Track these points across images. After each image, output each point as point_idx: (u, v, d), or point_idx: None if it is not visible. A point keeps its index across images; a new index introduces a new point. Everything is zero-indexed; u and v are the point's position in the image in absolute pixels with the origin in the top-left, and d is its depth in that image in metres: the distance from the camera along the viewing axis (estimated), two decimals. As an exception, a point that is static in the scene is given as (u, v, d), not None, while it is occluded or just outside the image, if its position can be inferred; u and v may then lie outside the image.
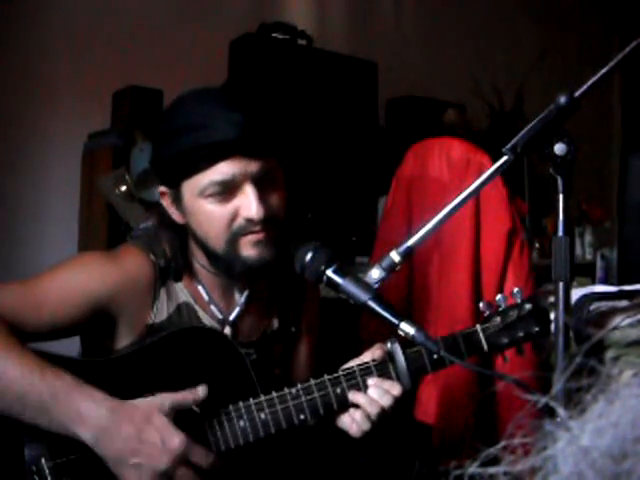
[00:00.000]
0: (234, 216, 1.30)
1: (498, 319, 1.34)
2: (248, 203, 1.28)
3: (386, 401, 1.30)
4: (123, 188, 2.60)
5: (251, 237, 1.31)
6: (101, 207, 2.73)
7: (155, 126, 1.38)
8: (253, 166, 1.28)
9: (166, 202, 1.37)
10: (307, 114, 3.03)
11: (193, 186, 1.30)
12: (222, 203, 1.29)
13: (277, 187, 1.34)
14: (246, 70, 2.95)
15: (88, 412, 1.15)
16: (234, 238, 1.31)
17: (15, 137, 2.83)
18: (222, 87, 1.40)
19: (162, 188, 1.37)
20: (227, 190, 1.28)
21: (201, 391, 1.23)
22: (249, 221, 1.29)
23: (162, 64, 2.98)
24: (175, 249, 1.39)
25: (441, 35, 3.98)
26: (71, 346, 1.42)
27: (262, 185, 1.30)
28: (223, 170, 1.27)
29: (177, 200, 1.34)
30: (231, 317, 1.43)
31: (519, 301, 1.35)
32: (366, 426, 1.31)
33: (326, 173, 3.05)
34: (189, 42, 3.12)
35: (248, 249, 1.31)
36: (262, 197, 1.29)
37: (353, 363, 1.34)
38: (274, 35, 3.08)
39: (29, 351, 1.20)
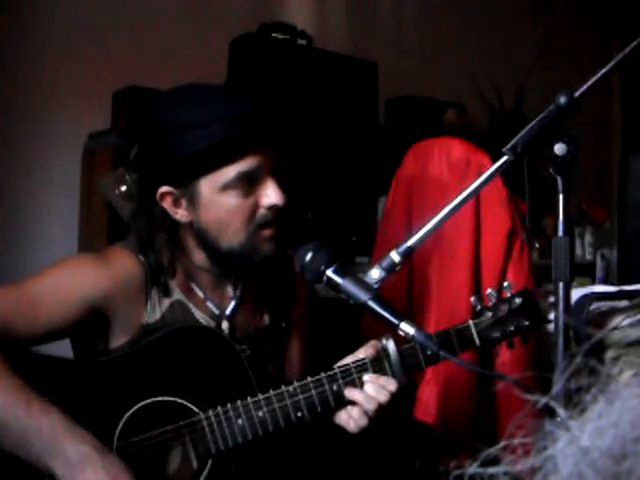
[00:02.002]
0: (255, 208, 1.32)
1: (489, 313, 1.35)
2: (271, 192, 1.31)
3: (383, 397, 1.31)
4: (123, 188, 2.60)
5: (267, 231, 1.34)
6: (101, 207, 2.72)
7: (154, 127, 1.32)
8: (272, 156, 1.32)
9: (167, 202, 1.34)
10: (307, 114, 3.02)
11: (215, 181, 1.29)
12: (244, 196, 1.31)
13: (280, 178, 1.36)
14: (246, 70, 2.95)
15: (70, 451, 1.15)
16: (255, 230, 1.33)
17: (15, 137, 2.83)
18: (218, 84, 1.39)
19: (165, 189, 1.32)
20: (250, 182, 1.30)
21: None
22: (270, 209, 1.32)
23: (162, 64, 2.98)
24: (166, 250, 1.38)
25: (441, 35, 3.98)
26: (67, 349, 1.42)
27: (276, 175, 1.33)
28: (249, 162, 1.29)
29: (188, 197, 1.32)
30: (227, 311, 1.43)
31: (509, 295, 1.36)
32: (363, 422, 1.32)
33: (326, 173, 3.05)
34: (189, 42, 3.12)
35: (265, 243, 1.34)
36: (279, 186, 1.33)
37: (348, 360, 1.35)
38: (274, 35, 3.08)
39: (18, 379, 1.19)
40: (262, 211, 1.32)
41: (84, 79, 2.91)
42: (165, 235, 1.38)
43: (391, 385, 1.31)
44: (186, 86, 1.34)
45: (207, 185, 1.30)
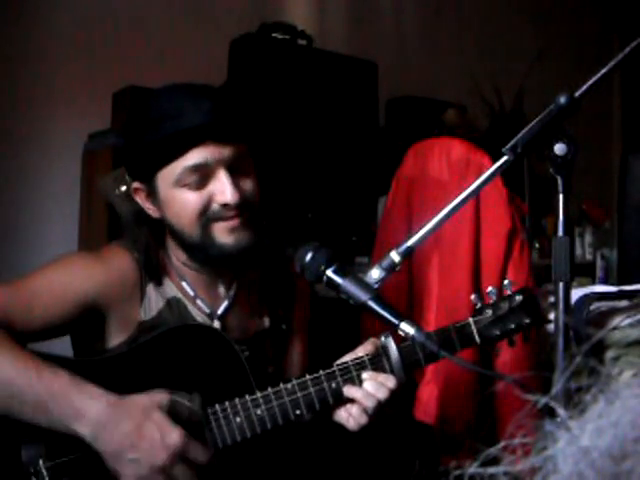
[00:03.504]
0: (208, 202, 1.31)
1: (490, 311, 1.35)
2: (222, 188, 1.30)
3: (382, 394, 1.30)
4: (123, 188, 2.60)
5: (226, 224, 1.32)
6: (101, 207, 2.72)
7: (124, 124, 1.38)
8: (225, 151, 1.30)
9: (140, 198, 1.38)
10: (307, 114, 3.02)
11: (167, 176, 1.31)
12: (196, 190, 1.31)
13: (249, 173, 1.35)
14: (246, 70, 2.95)
15: (86, 408, 1.16)
16: (208, 223, 1.32)
17: (15, 137, 2.83)
18: (190, 82, 1.40)
19: (136, 184, 1.37)
20: (201, 177, 1.30)
21: (196, 398, 1.24)
22: (224, 206, 1.31)
23: (162, 64, 2.98)
24: (153, 246, 1.40)
25: (441, 35, 3.98)
26: (66, 348, 1.42)
27: (235, 170, 1.32)
28: (196, 156, 1.29)
29: (152, 194, 1.35)
30: (219, 311, 1.43)
31: (510, 293, 1.35)
32: (363, 420, 1.32)
33: (326, 173, 3.05)
34: (189, 42, 3.12)
35: (224, 236, 1.33)
36: (236, 182, 1.31)
37: (347, 358, 1.35)
38: (274, 35, 3.08)
39: (24, 350, 1.21)
40: (215, 206, 1.31)
41: (84, 79, 2.91)
42: (148, 230, 1.40)
43: (390, 382, 1.31)
44: (167, 85, 1.37)
45: (162, 180, 1.32)
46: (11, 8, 2.82)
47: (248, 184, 1.34)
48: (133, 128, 1.34)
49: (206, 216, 1.31)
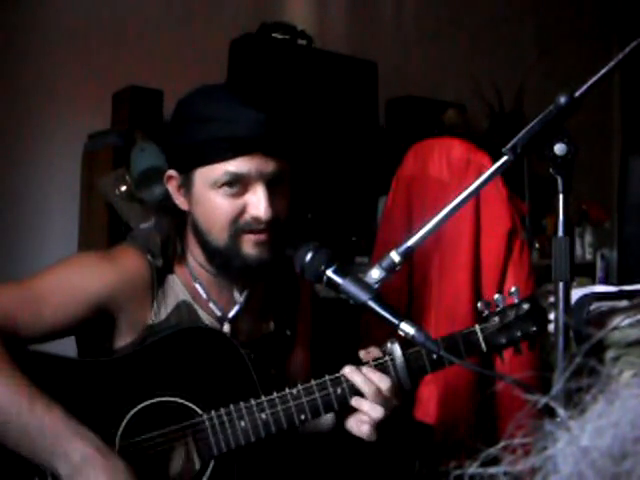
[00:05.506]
0: (241, 212, 1.31)
1: (496, 319, 1.34)
2: (258, 202, 1.30)
3: (381, 393, 1.30)
4: (123, 188, 2.60)
5: (254, 237, 1.32)
6: (101, 207, 2.73)
7: (176, 112, 1.37)
8: (269, 166, 1.30)
9: (172, 186, 1.37)
10: (307, 114, 3.02)
11: (206, 175, 1.31)
12: (232, 197, 1.31)
13: (285, 190, 1.36)
14: (246, 70, 2.95)
15: (73, 450, 1.15)
16: (237, 233, 1.32)
17: (15, 137, 2.83)
18: (244, 84, 1.40)
19: (171, 172, 1.37)
20: (239, 185, 1.30)
21: None
22: (255, 219, 1.31)
23: (162, 64, 2.98)
24: (173, 237, 1.39)
25: (441, 35, 3.98)
26: (70, 347, 1.42)
27: (273, 186, 1.32)
28: (240, 164, 1.29)
29: (186, 186, 1.35)
30: (230, 315, 1.43)
31: (517, 301, 1.35)
32: (378, 416, 1.30)
33: (326, 173, 3.05)
34: (189, 42, 3.12)
35: (249, 247, 1.32)
36: (271, 198, 1.31)
37: (361, 355, 1.34)
38: (274, 35, 3.08)
39: (21, 375, 1.19)
40: (247, 217, 1.31)
41: (84, 79, 2.91)
42: (171, 220, 1.39)
43: (383, 383, 1.30)
44: (217, 84, 1.39)
45: (200, 178, 1.32)
46: (11, 8, 2.82)
47: (282, 202, 1.34)
48: (182, 119, 1.34)
49: (236, 226, 1.32)
